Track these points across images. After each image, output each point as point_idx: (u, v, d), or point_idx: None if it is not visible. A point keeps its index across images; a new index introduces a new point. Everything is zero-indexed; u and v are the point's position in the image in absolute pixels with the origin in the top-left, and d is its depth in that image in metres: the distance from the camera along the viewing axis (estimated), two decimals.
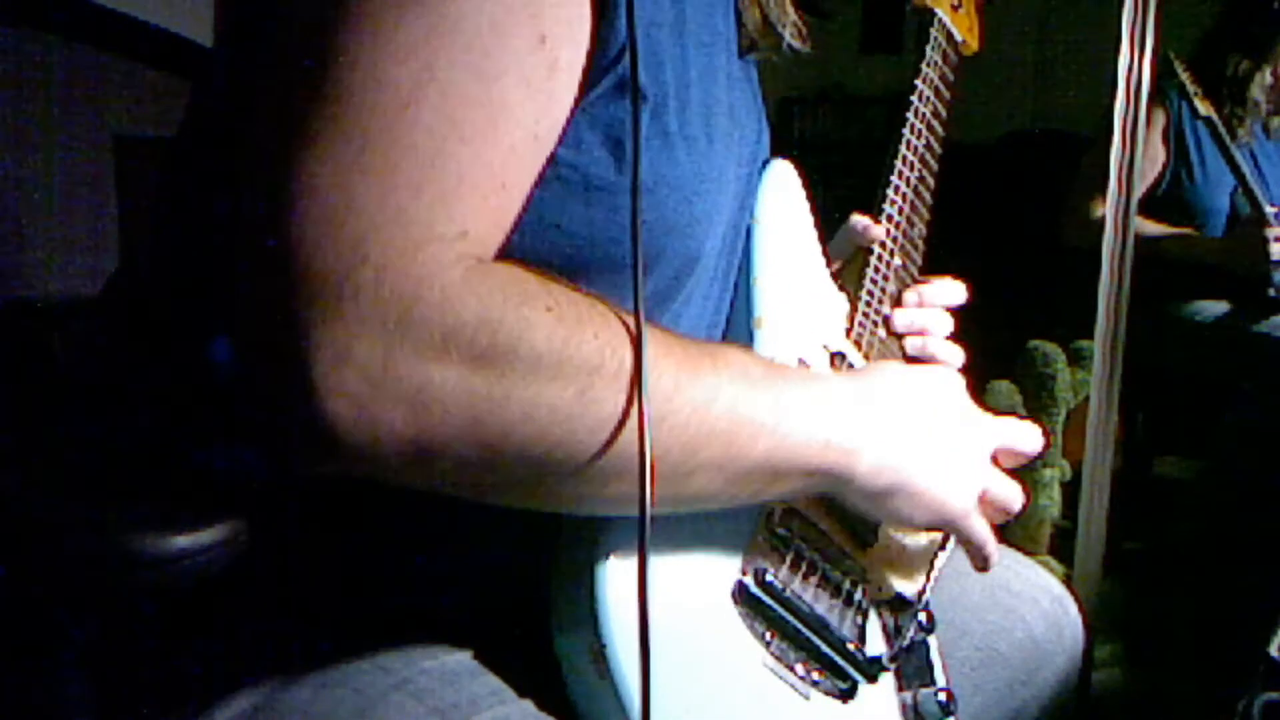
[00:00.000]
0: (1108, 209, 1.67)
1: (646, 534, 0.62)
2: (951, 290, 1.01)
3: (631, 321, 0.65)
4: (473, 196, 0.62)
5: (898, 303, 0.98)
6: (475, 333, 0.60)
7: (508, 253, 0.66)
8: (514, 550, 0.72)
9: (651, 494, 0.63)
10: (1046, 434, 0.88)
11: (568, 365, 0.62)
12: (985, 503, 0.83)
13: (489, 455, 0.62)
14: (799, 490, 0.76)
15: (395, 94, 0.60)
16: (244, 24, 0.72)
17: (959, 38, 1.08)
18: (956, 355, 0.99)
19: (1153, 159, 2.59)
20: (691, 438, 0.67)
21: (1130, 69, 1.63)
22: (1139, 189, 1.72)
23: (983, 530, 0.83)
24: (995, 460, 0.85)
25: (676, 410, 0.66)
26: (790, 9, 0.86)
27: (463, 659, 0.75)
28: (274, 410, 0.61)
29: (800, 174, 0.93)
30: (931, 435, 0.79)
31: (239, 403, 0.64)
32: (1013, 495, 0.84)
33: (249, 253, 0.61)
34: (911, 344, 0.98)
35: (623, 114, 0.68)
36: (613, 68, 0.67)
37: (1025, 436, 0.86)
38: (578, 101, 0.68)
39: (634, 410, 0.63)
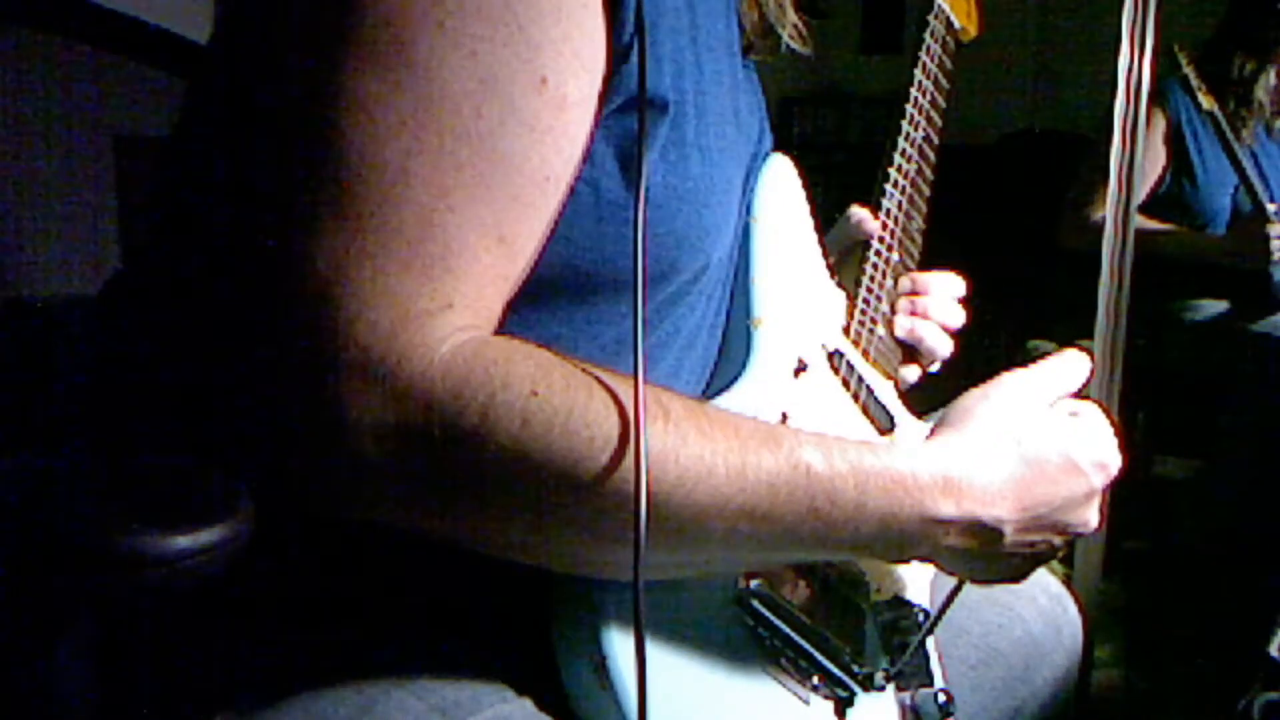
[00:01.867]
0: (1108, 209, 1.67)
1: (642, 544, 0.62)
2: (952, 281, 1.01)
3: (623, 389, 0.64)
4: (460, 263, 0.63)
5: (895, 289, 0.98)
6: (444, 417, 0.61)
7: None
8: None
9: (648, 534, 0.63)
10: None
11: (544, 453, 0.62)
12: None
13: (474, 527, 0.66)
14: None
15: (385, 173, 0.62)
16: (242, 74, 0.72)
17: (957, 24, 1.08)
18: (946, 346, 1.00)
19: (1153, 161, 2.58)
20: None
21: (1130, 69, 1.62)
22: (1139, 191, 1.72)
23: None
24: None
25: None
26: (790, 10, 0.86)
27: (464, 657, 0.75)
28: (288, 453, 0.65)
29: (798, 170, 0.93)
30: (1037, 505, 0.76)
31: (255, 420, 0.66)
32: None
33: (258, 325, 0.64)
34: (900, 325, 0.98)
35: (635, 126, 0.68)
36: (626, 81, 0.67)
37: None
38: (597, 120, 0.68)
39: (628, 510, 0.62)
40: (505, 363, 0.62)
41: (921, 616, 0.87)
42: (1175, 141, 2.62)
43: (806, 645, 0.77)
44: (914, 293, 0.99)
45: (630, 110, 0.68)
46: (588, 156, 0.68)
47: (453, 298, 0.63)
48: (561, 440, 0.62)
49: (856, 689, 0.79)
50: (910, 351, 0.99)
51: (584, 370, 0.65)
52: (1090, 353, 0.93)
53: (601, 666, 0.68)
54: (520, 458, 0.62)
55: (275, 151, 0.66)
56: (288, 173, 0.64)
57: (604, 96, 0.67)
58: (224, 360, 0.68)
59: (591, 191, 0.69)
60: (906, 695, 0.84)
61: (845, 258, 0.99)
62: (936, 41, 1.05)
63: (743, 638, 0.75)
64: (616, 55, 0.67)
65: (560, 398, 0.62)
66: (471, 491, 0.63)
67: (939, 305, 0.99)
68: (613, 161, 0.69)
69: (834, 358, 0.89)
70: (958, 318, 1.01)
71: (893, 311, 0.98)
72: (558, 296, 0.71)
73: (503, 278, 0.66)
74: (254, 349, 0.65)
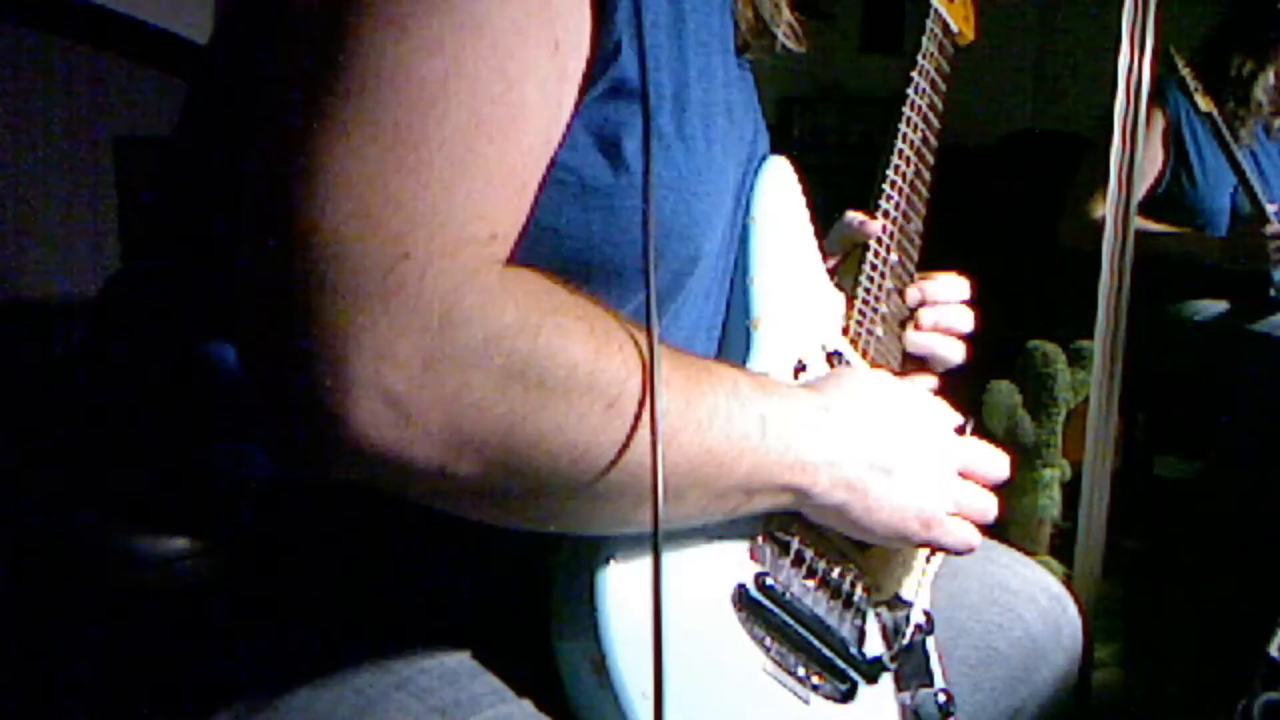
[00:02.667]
0: (1108, 209, 1.67)
1: (660, 549, 0.62)
2: (958, 285, 1.01)
3: (643, 337, 0.65)
4: (499, 197, 0.62)
5: (900, 298, 0.98)
6: (516, 338, 0.60)
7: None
8: (516, 551, 0.72)
9: (659, 509, 0.63)
10: (1014, 460, 0.85)
11: (600, 377, 0.62)
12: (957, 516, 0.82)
13: (515, 463, 0.62)
14: (765, 508, 0.75)
15: (423, 88, 0.60)
16: (252, 16, 0.72)
17: (955, 28, 1.08)
18: (958, 353, 0.99)
19: (1151, 160, 2.59)
20: (693, 455, 0.67)
21: (1130, 69, 1.63)
22: (1138, 191, 1.72)
23: (953, 541, 0.82)
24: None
25: (684, 428, 0.66)
26: (785, 9, 0.86)
27: (463, 658, 0.75)
28: (299, 412, 0.59)
29: (797, 171, 0.93)
30: (891, 451, 0.78)
31: (251, 407, 0.63)
32: (985, 508, 0.83)
33: (272, 251, 0.59)
34: (913, 340, 0.98)
35: (615, 115, 0.68)
36: (608, 69, 0.68)
37: (991, 462, 0.84)
38: (578, 105, 0.68)
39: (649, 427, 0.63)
40: (550, 291, 0.63)
41: (921, 615, 0.87)
42: (1174, 141, 2.62)
43: (807, 636, 0.77)
44: (923, 303, 0.99)
45: (610, 99, 0.68)
46: (565, 140, 0.68)
47: (496, 229, 0.62)
48: (609, 368, 0.63)
49: (858, 678, 0.79)
50: (923, 362, 1.00)
51: (591, 299, 0.65)
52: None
53: (601, 666, 0.68)
54: (581, 380, 0.62)
55: (296, 75, 0.62)
56: (313, 94, 0.60)
57: (586, 81, 0.68)
58: (223, 356, 0.68)
59: (576, 180, 0.69)
60: (906, 695, 0.84)
61: (844, 259, 0.99)
62: (934, 44, 1.05)
63: (742, 636, 0.75)
64: (598, 43, 0.67)
65: (600, 323, 0.64)
66: (537, 425, 0.62)
67: (950, 314, 0.99)
68: (593, 149, 0.69)
69: (833, 358, 0.89)
70: (969, 323, 1.01)
71: (893, 313, 0.98)
72: None
73: (519, 230, 0.65)
74: (255, 334, 0.61)
